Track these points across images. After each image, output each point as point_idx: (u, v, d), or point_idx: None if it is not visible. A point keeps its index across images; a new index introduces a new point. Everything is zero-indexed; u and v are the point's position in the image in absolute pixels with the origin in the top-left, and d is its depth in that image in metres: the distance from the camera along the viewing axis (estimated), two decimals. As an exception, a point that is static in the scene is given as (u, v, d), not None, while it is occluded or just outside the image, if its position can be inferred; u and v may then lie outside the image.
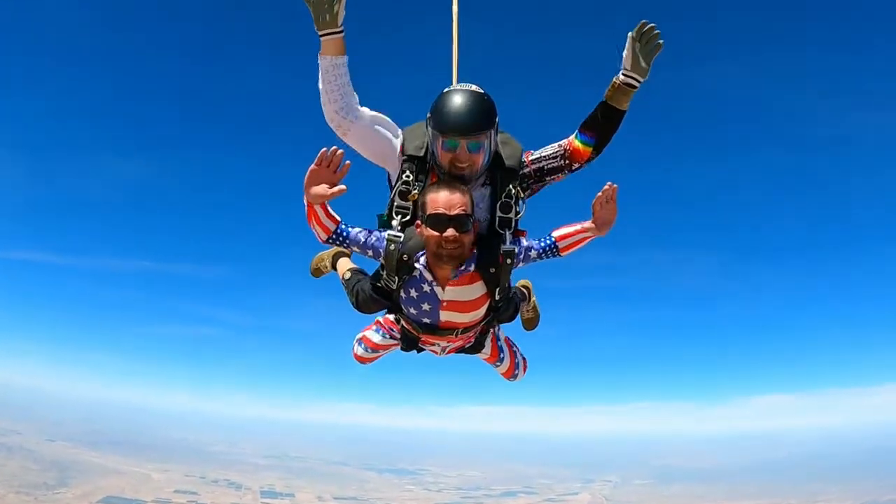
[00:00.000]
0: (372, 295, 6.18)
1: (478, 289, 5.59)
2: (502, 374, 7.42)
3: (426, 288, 5.57)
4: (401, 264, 5.42)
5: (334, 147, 4.93)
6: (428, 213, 5.17)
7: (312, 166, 4.93)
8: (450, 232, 5.08)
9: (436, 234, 5.12)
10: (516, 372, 7.40)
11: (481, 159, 5.39)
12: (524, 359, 7.45)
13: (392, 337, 6.99)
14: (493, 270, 5.47)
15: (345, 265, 7.20)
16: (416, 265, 5.41)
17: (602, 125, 5.57)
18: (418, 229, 5.33)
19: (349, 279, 6.90)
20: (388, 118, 5.69)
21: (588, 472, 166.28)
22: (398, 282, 5.59)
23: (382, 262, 5.61)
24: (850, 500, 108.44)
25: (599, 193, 5.43)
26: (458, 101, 5.24)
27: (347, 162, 4.97)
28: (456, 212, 5.10)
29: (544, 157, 5.73)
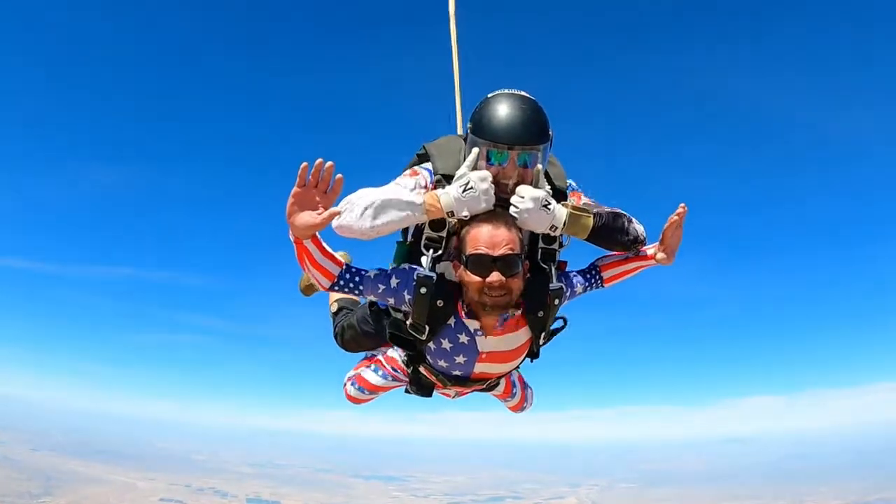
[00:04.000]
0: (364, 331, 5.61)
1: (522, 335, 4.77)
2: (510, 407, 6.51)
3: (464, 339, 4.66)
4: (435, 312, 4.51)
5: (320, 159, 4.00)
6: (468, 252, 4.27)
7: (295, 189, 4.02)
8: (495, 276, 4.20)
9: (477, 279, 4.25)
10: (525, 405, 6.50)
11: (531, 178, 4.52)
12: (531, 389, 6.50)
13: (396, 379, 5.97)
14: (541, 315, 4.64)
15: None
16: (455, 315, 4.57)
17: (597, 244, 4.85)
18: (456, 271, 4.46)
19: (335, 312, 6.28)
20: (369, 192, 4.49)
21: (575, 476, 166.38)
22: (429, 332, 4.64)
23: (409, 308, 4.59)
24: (838, 500, 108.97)
25: (674, 217, 4.75)
26: (510, 106, 4.44)
27: (339, 176, 4.08)
28: (502, 251, 4.22)
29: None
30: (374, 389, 6.19)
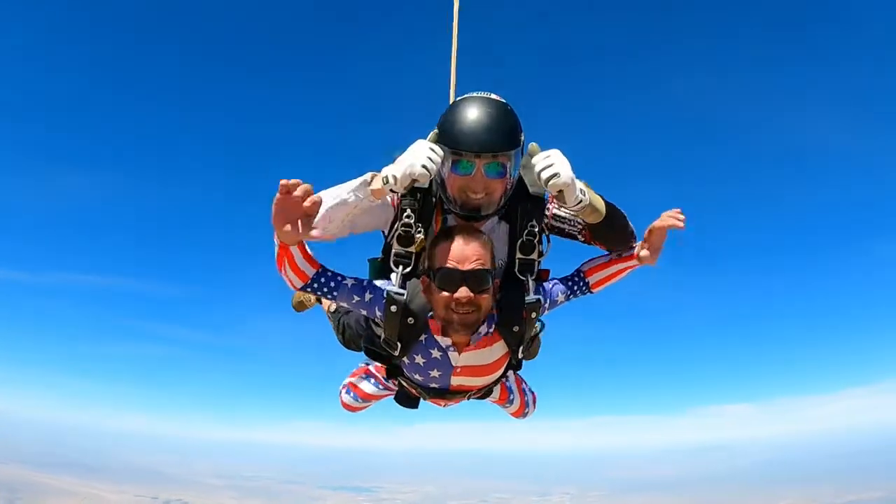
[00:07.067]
0: (358, 333, 5.33)
1: (497, 350, 4.53)
2: (512, 413, 6.24)
3: (436, 354, 4.46)
4: (405, 329, 4.31)
5: (296, 180, 3.65)
6: (436, 266, 4.08)
7: (277, 196, 3.68)
8: (463, 292, 4.00)
9: (446, 294, 4.04)
10: (527, 410, 6.21)
11: (502, 188, 4.22)
12: (533, 394, 6.21)
13: (387, 388, 5.89)
14: (516, 329, 4.40)
15: None
16: (426, 331, 4.37)
17: (599, 239, 4.59)
18: (424, 287, 4.26)
19: (335, 311, 6.00)
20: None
21: (545, 485, 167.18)
22: (401, 349, 4.45)
23: (381, 323, 4.40)
24: (808, 503, 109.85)
25: (674, 220, 4.36)
26: (475, 111, 4.09)
27: (317, 197, 3.72)
28: (471, 266, 4.02)
29: (568, 220, 4.61)
30: (367, 398, 6.13)
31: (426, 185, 4.20)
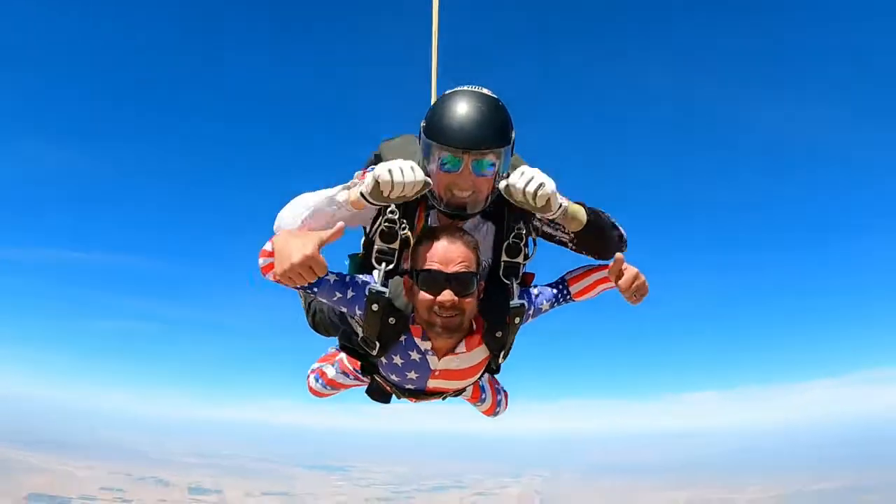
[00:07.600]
0: (332, 321, 5.04)
1: (478, 354, 4.39)
2: (483, 411, 6.19)
3: (415, 356, 4.29)
4: (385, 329, 4.16)
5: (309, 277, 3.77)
6: (419, 268, 3.95)
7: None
8: (446, 295, 3.87)
9: (429, 296, 3.91)
10: (498, 409, 6.13)
11: (489, 186, 4.09)
12: (505, 392, 6.14)
13: (358, 378, 5.68)
14: (499, 335, 4.29)
15: None
16: (406, 332, 4.23)
17: (584, 247, 4.60)
18: (406, 288, 4.13)
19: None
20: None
21: (518, 467, 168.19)
22: (379, 348, 4.29)
23: (360, 322, 4.27)
24: (777, 490, 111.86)
25: (626, 293, 4.40)
26: (464, 105, 3.93)
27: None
28: (456, 268, 3.89)
29: (561, 226, 4.52)
30: (336, 386, 6.02)
31: (388, 194, 3.90)
